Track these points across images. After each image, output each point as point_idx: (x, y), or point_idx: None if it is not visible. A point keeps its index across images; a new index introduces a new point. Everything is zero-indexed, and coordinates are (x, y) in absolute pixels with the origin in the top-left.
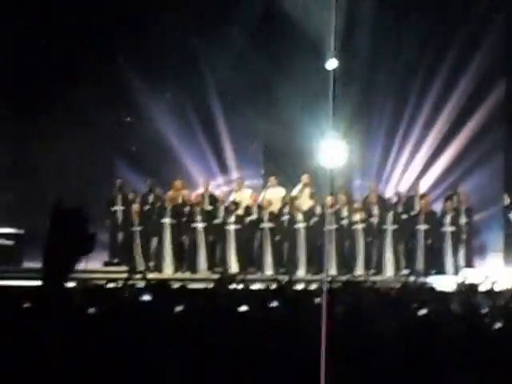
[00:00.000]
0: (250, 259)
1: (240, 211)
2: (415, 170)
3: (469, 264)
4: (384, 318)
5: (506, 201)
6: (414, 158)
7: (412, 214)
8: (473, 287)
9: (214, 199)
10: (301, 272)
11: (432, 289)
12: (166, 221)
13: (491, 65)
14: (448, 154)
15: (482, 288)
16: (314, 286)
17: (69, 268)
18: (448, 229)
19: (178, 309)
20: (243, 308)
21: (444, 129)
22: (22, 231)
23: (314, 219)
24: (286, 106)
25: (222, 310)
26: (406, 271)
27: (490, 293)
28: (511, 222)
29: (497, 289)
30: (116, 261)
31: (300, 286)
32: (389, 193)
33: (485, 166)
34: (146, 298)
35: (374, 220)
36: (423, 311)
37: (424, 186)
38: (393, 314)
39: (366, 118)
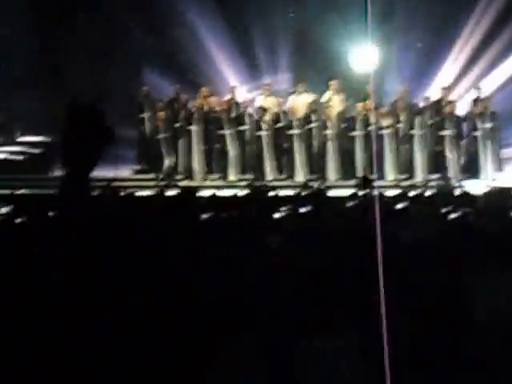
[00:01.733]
0: (279, 166)
1: (268, 117)
2: (446, 75)
3: (498, 168)
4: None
5: None
6: (446, 63)
7: (438, 119)
8: (505, 190)
9: (239, 106)
10: (331, 177)
11: (465, 192)
12: (193, 128)
13: None
14: (480, 59)
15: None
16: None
17: (90, 165)
18: (476, 133)
19: (212, 215)
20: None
21: (478, 33)
22: (49, 139)
23: (344, 125)
24: (317, 9)
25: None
26: (436, 176)
27: None
28: None
29: None
30: (144, 168)
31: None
32: (418, 98)
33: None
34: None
35: (402, 125)
36: (457, 214)
37: (453, 91)
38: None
39: (399, 22)
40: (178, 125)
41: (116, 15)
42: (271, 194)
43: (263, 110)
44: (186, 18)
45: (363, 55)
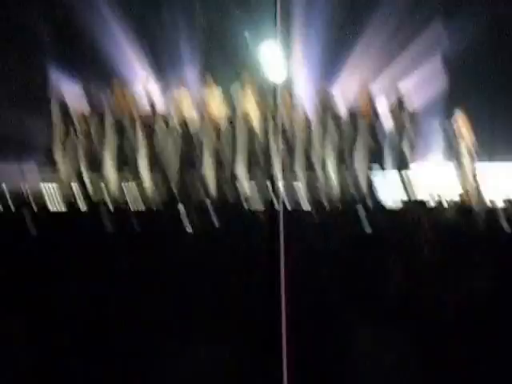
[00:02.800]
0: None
1: (179, 114)
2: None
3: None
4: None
5: None
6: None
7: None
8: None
9: (152, 102)
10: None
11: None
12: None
13: None
14: (390, 56)
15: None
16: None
17: None
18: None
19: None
20: None
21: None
22: None
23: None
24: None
25: None
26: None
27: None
28: None
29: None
30: None
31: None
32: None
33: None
34: None
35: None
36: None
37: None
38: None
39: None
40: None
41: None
42: None
43: (175, 105)
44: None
45: (273, 50)
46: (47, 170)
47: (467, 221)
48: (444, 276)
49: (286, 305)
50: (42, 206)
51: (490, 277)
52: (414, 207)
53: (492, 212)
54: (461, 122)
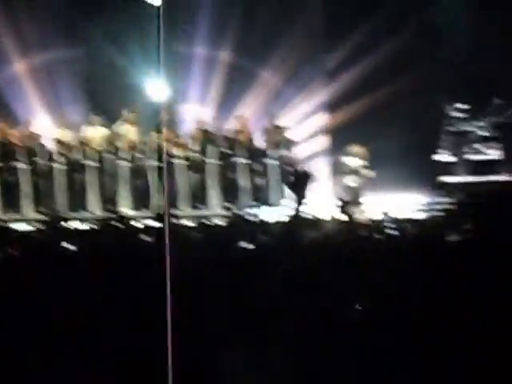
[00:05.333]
0: (75, 199)
1: (63, 150)
2: (238, 104)
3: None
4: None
5: None
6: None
7: (232, 147)
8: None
9: (36, 138)
10: (126, 210)
11: (259, 221)
12: None
13: None
14: (267, 84)
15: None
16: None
17: None
18: (270, 161)
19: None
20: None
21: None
22: None
23: (138, 156)
24: (108, 42)
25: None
26: (229, 205)
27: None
28: None
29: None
30: None
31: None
32: (214, 127)
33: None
34: None
35: (196, 155)
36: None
37: (246, 119)
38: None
39: (193, 52)
40: None
41: None
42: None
43: (58, 142)
44: None
45: (157, 85)
46: None
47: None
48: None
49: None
50: None
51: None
52: (294, 222)
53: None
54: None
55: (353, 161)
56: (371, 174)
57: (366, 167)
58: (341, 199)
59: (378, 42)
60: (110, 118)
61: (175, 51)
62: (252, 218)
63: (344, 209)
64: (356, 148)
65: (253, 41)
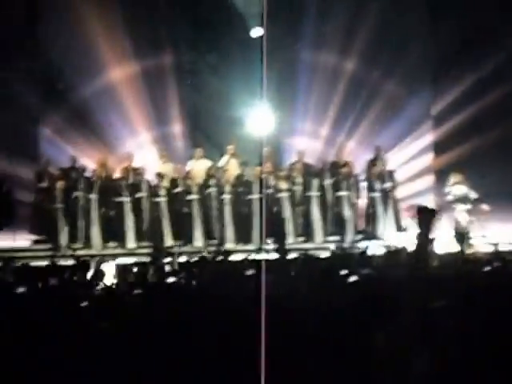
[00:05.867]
0: (179, 232)
1: (166, 183)
2: (341, 136)
3: (399, 228)
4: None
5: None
6: (341, 124)
7: (335, 180)
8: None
9: (138, 172)
10: (230, 243)
11: (364, 254)
12: (92, 196)
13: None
14: (372, 117)
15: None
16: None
17: None
18: (374, 194)
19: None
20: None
21: (371, 94)
22: None
23: (241, 189)
24: (212, 75)
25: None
26: (335, 238)
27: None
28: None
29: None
30: (42, 238)
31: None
32: (315, 160)
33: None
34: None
35: (298, 188)
36: (354, 277)
37: (350, 150)
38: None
39: (296, 86)
40: (76, 194)
41: None
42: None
43: (161, 176)
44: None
45: (259, 119)
46: None
47: None
48: None
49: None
50: None
51: None
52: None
53: None
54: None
55: (459, 188)
56: (485, 207)
57: (477, 200)
58: (456, 231)
59: (484, 87)
60: (213, 150)
61: (278, 83)
62: (358, 251)
63: (459, 241)
64: (458, 176)
65: (357, 74)
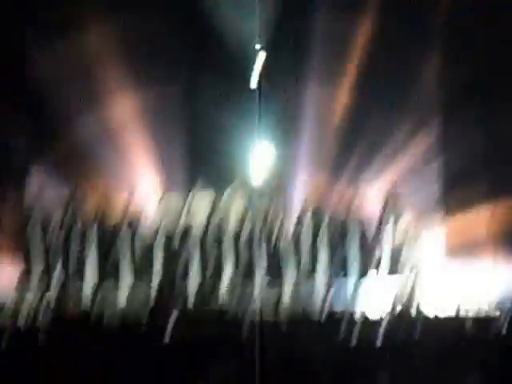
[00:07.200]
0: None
1: (166, 217)
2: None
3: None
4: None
5: None
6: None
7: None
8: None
9: (140, 210)
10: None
11: None
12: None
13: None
14: (383, 156)
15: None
16: None
17: None
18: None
19: None
20: None
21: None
22: None
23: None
24: (209, 115)
25: None
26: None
27: None
28: None
29: None
30: None
31: None
32: (324, 194)
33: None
34: None
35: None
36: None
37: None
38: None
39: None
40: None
41: None
42: None
43: (162, 209)
44: None
45: (263, 151)
46: None
47: None
48: None
49: None
50: None
51: None
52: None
53: None
54: None
55: None
56: None
57: None
58: None
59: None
60: (216, 185)
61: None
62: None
63: None
64: None
65: (362, 105)
